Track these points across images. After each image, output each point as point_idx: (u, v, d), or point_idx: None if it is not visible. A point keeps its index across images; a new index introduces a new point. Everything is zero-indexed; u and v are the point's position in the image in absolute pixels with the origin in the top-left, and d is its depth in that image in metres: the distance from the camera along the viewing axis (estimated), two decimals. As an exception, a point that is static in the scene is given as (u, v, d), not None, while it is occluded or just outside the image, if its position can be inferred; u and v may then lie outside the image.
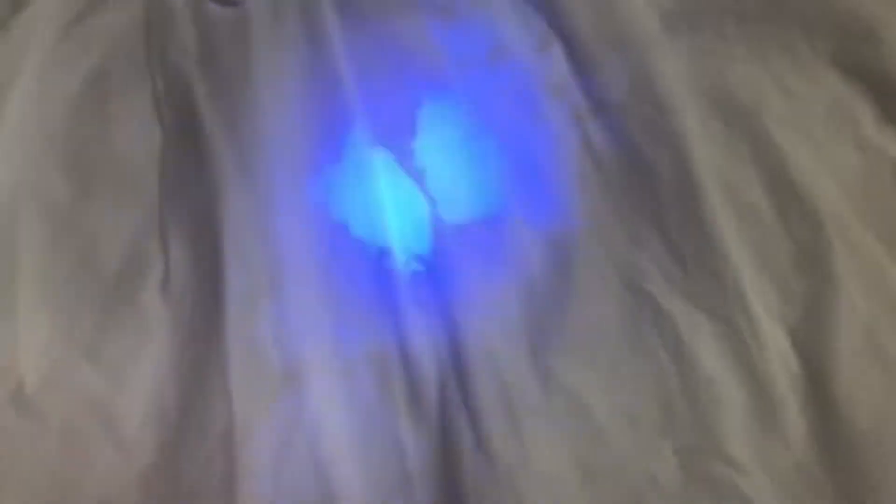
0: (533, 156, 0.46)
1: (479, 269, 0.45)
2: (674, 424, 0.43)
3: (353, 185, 0.46)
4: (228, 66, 0.47)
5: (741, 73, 0.47)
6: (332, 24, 0.49)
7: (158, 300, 0.44)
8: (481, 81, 0.47)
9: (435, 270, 0.45)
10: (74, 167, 0.46)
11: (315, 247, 0.46)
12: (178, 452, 0.42)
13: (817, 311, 0.44)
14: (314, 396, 0.43)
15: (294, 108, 0.47)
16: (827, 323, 0.43)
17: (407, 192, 0.46)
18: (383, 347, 0.44)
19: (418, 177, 0.46)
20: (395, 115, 0.47)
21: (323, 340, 0.44)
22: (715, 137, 0.46)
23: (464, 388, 0.43)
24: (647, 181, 0.46)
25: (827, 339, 0.43)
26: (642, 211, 0.46)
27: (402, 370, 0.44)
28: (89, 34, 0.48)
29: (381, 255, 0.45)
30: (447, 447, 0.43)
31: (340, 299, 0.45)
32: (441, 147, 0.47)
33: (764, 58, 0.47)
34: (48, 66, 0.48)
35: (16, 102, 0.46)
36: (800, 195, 0.45)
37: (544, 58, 0.47)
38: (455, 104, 0.47)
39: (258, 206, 0.45)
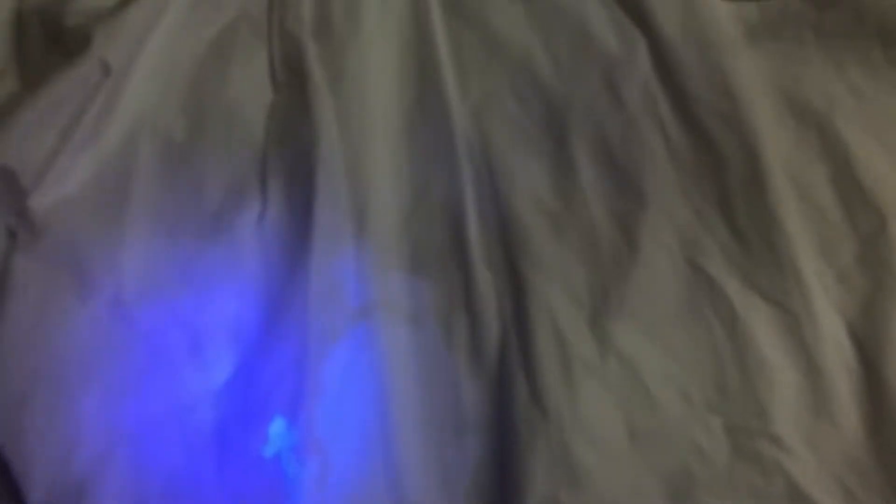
0: (608, 135, 0.45)
1: (547, 233, 0.44)
2: (725, 400, 0.40)
3: (437, 151, 0.46)
4: (339, 37, 0.47)
5: (816, 76, 0.45)
6: (434, 12, 0.49)
7: (252, 233, 0.44)
8: (566, 69, 0.47)
9: (506, 232, 0.44)
10: (191, 111, 0.47)
11: (398, 201, 0.45)
12: (253, 370, 0.42)
13: (876, 304, 0.40)
14: (383, 334, 0.42)
15: (392, 77, 0.47)
16: (885, 317, 0.40)
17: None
18: (451, 299, 0.43)
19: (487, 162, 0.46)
20: (483, 98, 0.47)
21: (396, 285, 0.43)
22: (785, 131, 0.44)
23: (523, 343, 0.41)
24: (715, 166, 0.43)
25: (884, 332, 0.40)
26: (709, 193, 0.43)
27: (466, 322, 0.42)
28: (219, 2, 0.50)
29: (456, 216, 0.45)
30: (503, 398, 0.41)
31: (416, 250, 0.44)
32: (516, 129, 0.47)
33: (839, 64, 0.45)
34: (180, 27, 0.48)
35: (148, 54, 0.47)
36: (865, 192, 0.42)
37: (628, 51, 0.46)
38: (538, 89, 0.47)
39: (351, 158, 0.45)
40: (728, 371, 0.41)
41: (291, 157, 0.45)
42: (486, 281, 0.43)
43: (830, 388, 0.40)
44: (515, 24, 0.48)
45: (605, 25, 0.47)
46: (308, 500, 0.39)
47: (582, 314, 0.42)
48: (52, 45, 0.49)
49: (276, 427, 0.40)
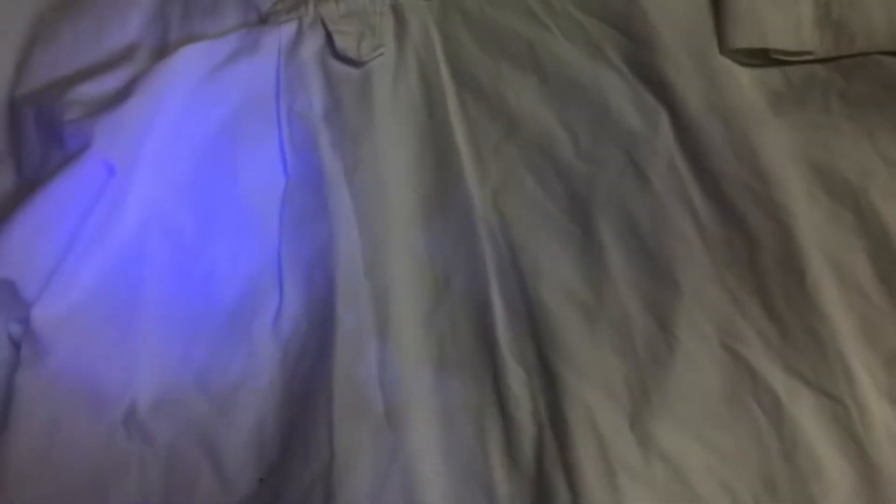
0: (635, 217, 0.43)
1: (579, 325, 0.41)
2: (774, 499, 0.37)
3: (458, 240, 0.44)
4: (351, 121, 0.45)
5: (846, 146, 0.43)
6: (447, 89, 0.47)
7: (270, 334, 0.42)
8: (586, 146, 0.45)
9: (535, 325, 0.42)
10: (201, 205, 0.44)
11: (420, 295, 0.43)
12: (278, 483, 0.39)
13: (928, 391, 0.39)
14: (413, 439, 0.39)
15: (408, 164, 0.45)
16: (938, 404, 0.39)
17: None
18: (481, 398, 0.40)
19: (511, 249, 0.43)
20: (501, 180, 0.45)
21: (424, 385, 0.40)
22: (818, 207, 0.42)
23: (562, 445, 0.39)
24: (748, 247, 0.41)
25: (938, 421, 0.39)
26: (744, 276, 0.41)
27: (500, 422, 0.40)
28: (225, 84, 0.47)
29: (482, 308, 0.42)
30: (542, 502, 0.39)
31: (442, 347, 0.42)
32: (538, 213, 0.44)
33: (870, 134, 0.43)
34: (185, 111, 0.46)
35: (152, 147, 0.45)
36: (908, 270, 0.41)
37: (650, 125, 0.44)
38: (558, 169, 0.45)
39: (370, 252, 0.42)
40: (776, 466, 0.38)
41: (308, 252, 0.43)
42: (518, 379, 0.40)
43: (886, 483, 0.37)
44: (531, 100, 0.46)
45: (624, 99, 0.45)
46: None
47: (622, 414, 0.39)
48: (49, 137, 0.46)
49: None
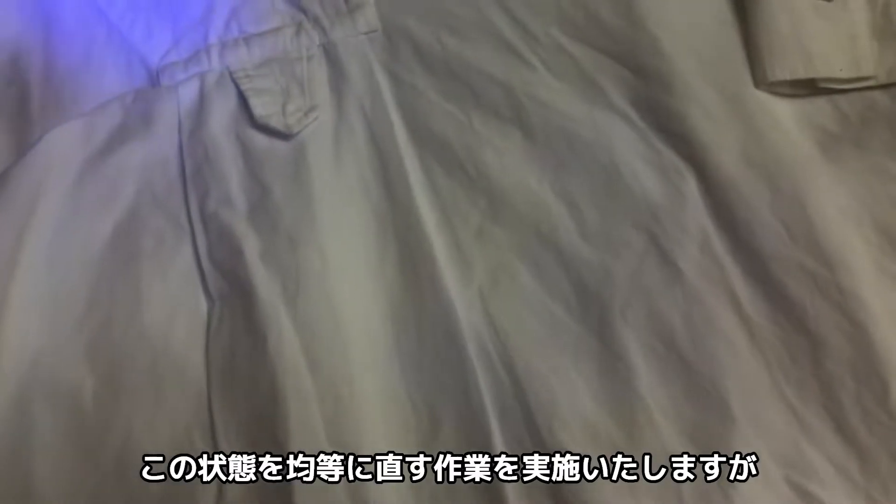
0: (665, 319, 0.33)
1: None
2: None
3: (442, 367, 0.34)
4: (284, 217, 0.34)
5: None
6: (406, 156, 0.36)
7: (210, 528, 0.32)
8: (594, 226, 0.35)
9: (555, 479, 0.32)
10: (98, 354, 0.33)
11: (403, 448, 0.33)
12: None
13: None
14: None
15: (367, 270, 0.34)
16: None
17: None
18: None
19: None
20: (489, 277, 0.35)
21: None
22: (893, 284, 0.33)
23: None
24: (813, 352, 0.32)
25: None
26: (809, 391, 0.32)
27: None
28: (114, 175, 0.35)
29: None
30: None
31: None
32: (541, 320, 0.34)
33: None
34: (64, 218, 0.34)
35: (26, 265, 0.34)
36: None
37: (675, 193, 0.34)
38: (561, 259, 0.35)
39: (330, 406, 0.32)
40: None
41: (247, 408, 0.32)
42: (533, 549, 0.32)
43: None
44: (516, 164, 0.35)
45: (637, 157, 0.35)
46: None
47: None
48: None
49: None
